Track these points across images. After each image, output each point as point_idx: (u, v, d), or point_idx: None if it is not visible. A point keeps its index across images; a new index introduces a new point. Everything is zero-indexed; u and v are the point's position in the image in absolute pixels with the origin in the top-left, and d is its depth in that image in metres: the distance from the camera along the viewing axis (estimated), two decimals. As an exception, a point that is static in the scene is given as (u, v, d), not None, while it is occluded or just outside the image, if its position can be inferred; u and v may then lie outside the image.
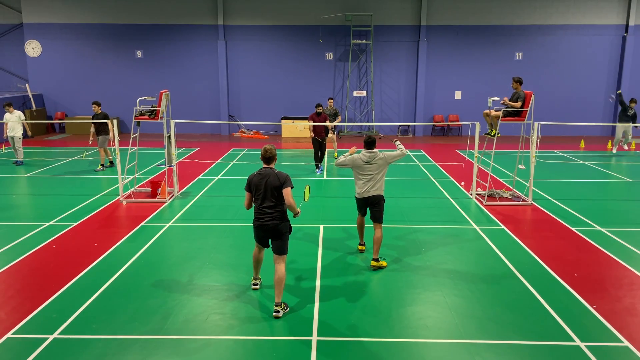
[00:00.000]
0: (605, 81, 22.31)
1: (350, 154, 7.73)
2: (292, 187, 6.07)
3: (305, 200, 6.70)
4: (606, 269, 7.57)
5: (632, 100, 16.60)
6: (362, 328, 5.83)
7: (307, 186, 6.84)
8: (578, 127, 22.41)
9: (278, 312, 6.06)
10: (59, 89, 22.81)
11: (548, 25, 21.92)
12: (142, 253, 8.08)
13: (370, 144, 7.59)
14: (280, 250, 6.19)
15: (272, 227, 6.10)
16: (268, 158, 6.18)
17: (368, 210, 7.81)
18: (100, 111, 14.09)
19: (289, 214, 6.36)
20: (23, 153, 15.37)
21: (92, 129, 14.24)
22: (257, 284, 6.84)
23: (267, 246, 6.38)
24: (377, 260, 7.52)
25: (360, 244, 8.29)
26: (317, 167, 14.33)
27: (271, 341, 5.58)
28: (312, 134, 14.17)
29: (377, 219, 7.65)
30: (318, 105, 14.07)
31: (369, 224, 8.05)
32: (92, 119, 14.16)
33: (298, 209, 6.17)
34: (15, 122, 14.67)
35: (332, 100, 15.82)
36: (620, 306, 6.37)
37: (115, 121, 12.00)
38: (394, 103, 22.74)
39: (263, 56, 22.51)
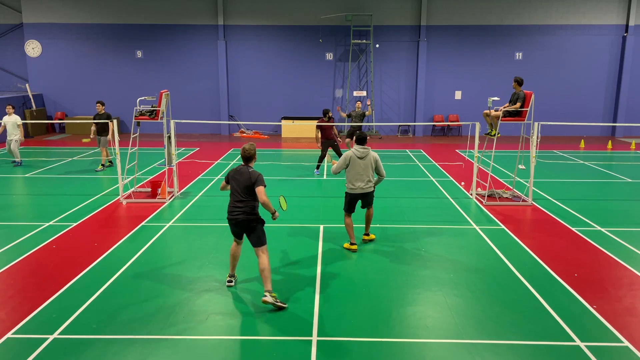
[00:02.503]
0: (605, 81, 22.31)
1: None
2: (264, 186, 6.29)
3: (284, 209, 6.83)
4: (606, 269, 7.57)
5: None
6: (362, 328, 5.83)
7: (281, 196, 6.94)
8: (578, 127, 22.42)
9: (266, 296, 6.18)
10: (59, 89, 22.81)
11: (548, 25, 21.92)
12: (142, 253, 8.08)
13: (362, 139, 7.92)
14: (257, 242, 6.40)
15: (242, 220, 6.36)
16: (247, 157, 6.47)
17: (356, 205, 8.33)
18: (103, 111, 14.12)
19: (268, 215, 6.50)
20: (20, 154, 15.20)
21: (93, 128, 14.21)
22: (231, 282, 6.94)
23: (242, 239, 6.70)
24: (367, 234, 8.50)
25: (352, 243, 8.23)
26: (318, 167, 14.38)
27: (271, 341, 5.58)
28: (322, 139, 13.89)
29: (368, 204, 8.33)
30: (327, 112, 14.00)
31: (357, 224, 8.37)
32: (94, 119, 14.14)
33: (274, 209, 6.34)
34: (12, 125, 14.61)
35: (360, 103, 16.27)
36: (620, 306, 6.37)
37: (115, 121, 12.00)
38: (394, 103, 22.74)
39: (263, 56, 22.52)
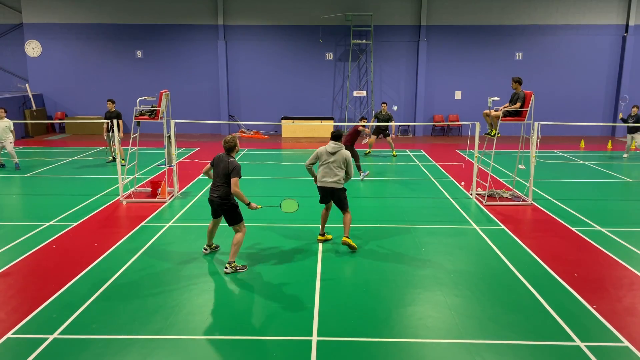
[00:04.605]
0: (605, 81, 22.30)
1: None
2: (239, 177, 7.16)
3: (292, 210, 7.83)
4: (606, 269, 7.57)
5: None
6: (362, 328, 5.83)
7: (282, 204, 7.82)
8: (578, 127, 22.41)
9: (227, 268, 7.23)
10: (59, 89, 22.80)
11: (548, 25, 21.91)
12: (142, 253, 8.08)
13: (337, 137, 8.24)
14: (230, 222, 7.36)
15: (216, 202, 7.31)
16: (228, 148, 7.39)
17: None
18: (114, 109, 14.29)
19: (243, 206, 7.38)
20: (16, 154, 15.02)
21: (105, 125, 14.52)
22: (206, 250, 8.05)
23: (219, 218, 7.66)
24: (347, 237, 8.22)
25: (320, 234, 8.70)
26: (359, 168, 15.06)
27: (271, 341, 5.58)
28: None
29: (342, 208, 8.37)
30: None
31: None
32: (105, 117, 14.27)
33: (248, 201, 7.23)
34: (4, 130, 14.27)
35: (385, 105, 16.91)
36: (620, 306, 6.37)
37: (115, 121, 11.98)
38: (394, 103, 22.73)
39: (263, 56, 22.51)
